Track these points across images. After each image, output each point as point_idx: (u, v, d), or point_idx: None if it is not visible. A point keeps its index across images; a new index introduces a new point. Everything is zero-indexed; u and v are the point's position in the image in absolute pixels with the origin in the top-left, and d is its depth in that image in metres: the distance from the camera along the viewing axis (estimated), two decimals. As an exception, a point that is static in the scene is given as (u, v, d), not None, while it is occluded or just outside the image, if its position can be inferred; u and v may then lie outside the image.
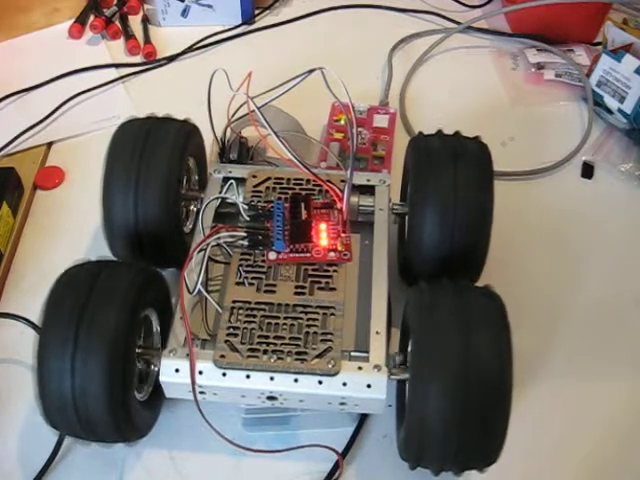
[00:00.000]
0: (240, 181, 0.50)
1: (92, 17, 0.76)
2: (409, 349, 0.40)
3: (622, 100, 0.63)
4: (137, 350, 0.41)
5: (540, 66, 0.70)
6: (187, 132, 0.49)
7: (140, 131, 0.48)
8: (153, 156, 0.46)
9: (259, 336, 0.41)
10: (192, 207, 0.52)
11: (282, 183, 0.49)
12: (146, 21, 0.76)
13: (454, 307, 0.38)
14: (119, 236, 0.47)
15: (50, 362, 0.38)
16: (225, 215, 0.49)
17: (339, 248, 0.45)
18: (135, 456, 0.45)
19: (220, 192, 0.49)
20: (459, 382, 0.36)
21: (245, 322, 0.41)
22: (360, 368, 0.39)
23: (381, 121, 0.63)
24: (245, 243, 0.45)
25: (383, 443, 0.45)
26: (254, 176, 0.49)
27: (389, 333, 0.45)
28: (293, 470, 0.44)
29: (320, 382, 0.39)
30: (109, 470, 0.44)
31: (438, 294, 0.40)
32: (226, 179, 0.50)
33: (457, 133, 0.49)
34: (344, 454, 0.44)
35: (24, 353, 0.49)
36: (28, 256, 0.56)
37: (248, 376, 0.39)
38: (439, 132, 0.49)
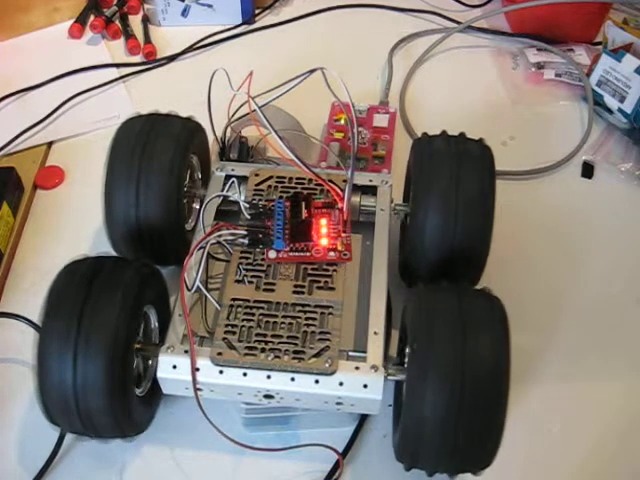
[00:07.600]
0: (242, 179, 0.50)
1: (92, 17, 0.76)
2: (406, 350, 0.40)
3: (622, 100, 0.63)
4: (136, 346, 0.41)
5: (540, 66, 0.70)
6: (190, 129, 0.49)
7: (143, 127, 0.48)
8: (156, 152, 0.46)
9: (257, 334, 0.41)
10: (194, 204, 0.52)
11: (284, 182, 0.49)
12: (146, 21, 0.77)
13: (451, 309, 0.38)
14: (121, 232, 0.47)
15: (50, 357, 0.38)
16: (227, 213, 0.49)
17: (339, 248, 0.45)
18: (136, 454, 0.45)
19: (222, 190, 0.49)
20: (455, 385, 0.36)
21: (243, 320, 0.41)
22: (357, 368, 0.39)
23: (381, 121, 0.63)
24: (245, 241, 0.45)
25: (383, 443, 0.45)
26: (256, 174, 0.49)
27: (389, 334, 0.45)
28: (293, 470, 0.44)
29: (317, 381, 0.39)
30: (110, 469, 0.44)
31: (436, 296, 0.40)
32: (228, 177, 0.50)
33: (461, 134, 0.49)
34: (344, 454, 0.44)
35: (24, 353, 0.49)
36: (28, 256, 0.56)
37: (245, 374, 0.39)
38: (443, 133, 0.49)
